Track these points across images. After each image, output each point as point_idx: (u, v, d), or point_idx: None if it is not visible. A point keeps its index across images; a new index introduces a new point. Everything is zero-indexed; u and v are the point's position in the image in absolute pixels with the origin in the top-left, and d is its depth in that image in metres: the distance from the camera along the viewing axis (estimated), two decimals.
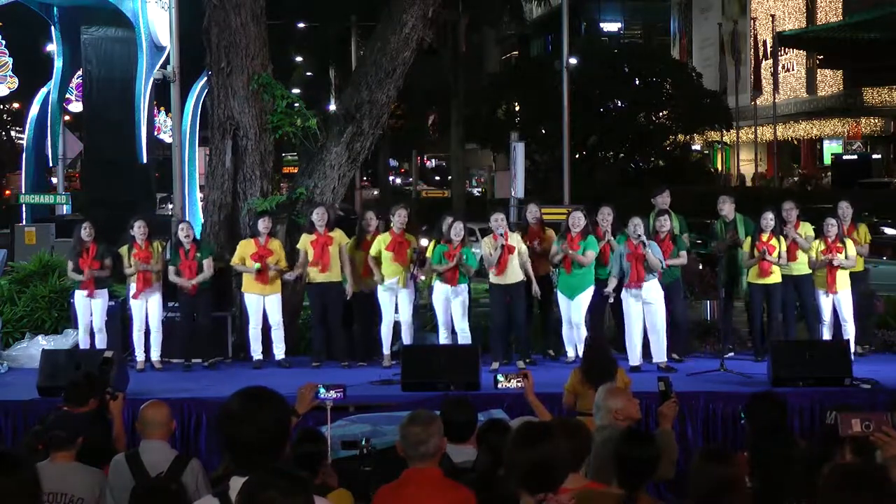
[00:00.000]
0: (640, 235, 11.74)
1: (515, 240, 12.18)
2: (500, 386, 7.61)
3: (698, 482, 4.49)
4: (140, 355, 12.52)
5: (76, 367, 10.32)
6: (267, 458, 3.73)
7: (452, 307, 12.19)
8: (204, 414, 10.16)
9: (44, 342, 12.76)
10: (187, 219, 15.88)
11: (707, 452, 4.71)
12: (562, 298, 12.31)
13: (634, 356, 11.92)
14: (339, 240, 12.51)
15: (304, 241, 12.55)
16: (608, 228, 12.52)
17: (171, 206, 22.06)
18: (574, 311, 12.16)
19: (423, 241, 12.86)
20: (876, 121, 47.71)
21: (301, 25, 44.21)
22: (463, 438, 5.92)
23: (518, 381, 7.45)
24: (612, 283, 12.05)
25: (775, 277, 12.31)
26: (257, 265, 12.35)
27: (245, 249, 12.54)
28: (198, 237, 13.07)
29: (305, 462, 6.17)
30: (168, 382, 11.66)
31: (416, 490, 4.93)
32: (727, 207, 12.99)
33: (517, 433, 4.05)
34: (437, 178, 64.46)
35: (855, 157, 47.00)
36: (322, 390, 7.01)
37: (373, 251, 12.37)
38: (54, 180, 32.12)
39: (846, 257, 12.24)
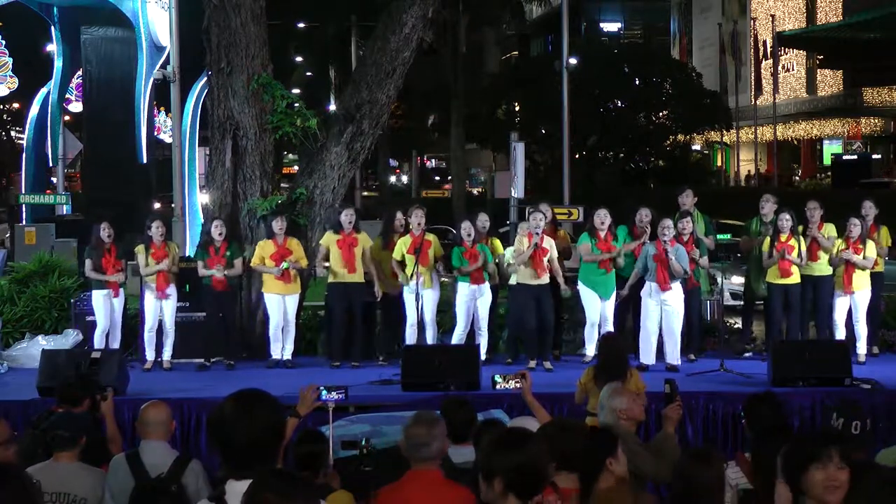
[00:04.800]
0: (666, 241, 11.73)
1: (550, 243, 12.17)
2: (498, 387, 7.60)
3: (677, 481, 4.54)
4: (150, 355, 12.50)
5: (77, 368, 10.31)
6: (260, 460, 3.73)
7: (478, 305, 12.20)
8: (204, 414, 10.14)
9: (44, 342, 12.75)
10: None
11: (689, 453, 4.75)
12: (593, 298, 12.26)
13: (646, 355, 11.92)
14: (363, 242, 12.51)
15: (329, 239, 12.55)
16: (646, 229, 12.50)
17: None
18: (606, 309, 12.20)
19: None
20: (876, 121, 47.73)
21: (301, 25, 44.22)
22: (463, 438, 5.93)
23: (516, 382, 7.44)
24: (634, 278, 12.06)
25: (795, 278, 12.22)
26: (284, 264, 12.33)
27: (264, 250, 12.53)
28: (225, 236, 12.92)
29: (307, 462, 6.17)
30: (168, 382, 11.66)
31: (416, 491, 4.93)
32: (768, 207, 12.79)
33: (497, 439, 4.05)
34: (437, 177, 64.44)
35: (855, 157, 46.98)
36: (324, 392, 7.01)
37: (396, 255, 12.37)
38: (54, 180, 32.12)
39: (864, 257, 12.17)
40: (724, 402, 10.27)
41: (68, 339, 12.84)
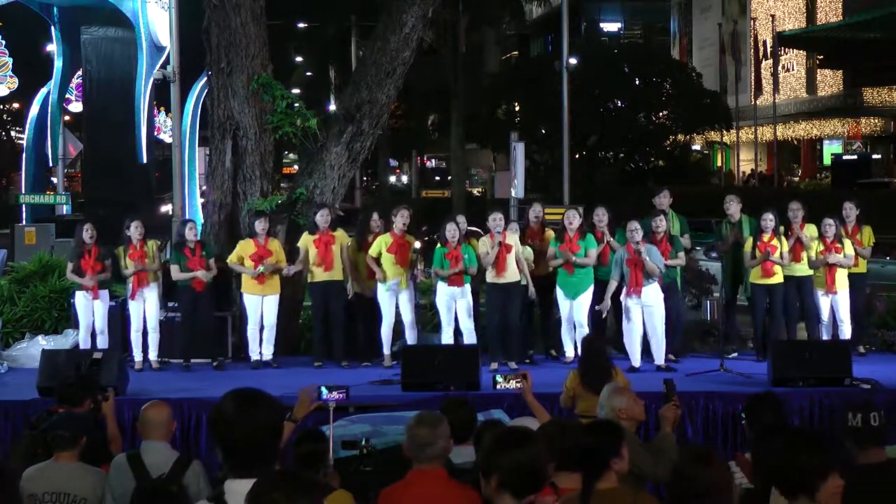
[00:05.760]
0: (637, 242, 11.73)
1: (513, 239, 12.19)
2: (499, 387, 7.61)
3: (678, 482, 4.56)
4: (138, 355, 12.51)
5: (76, 368, 10.31)
6: (260, 459, 3.73)
7: (458, 307, 12.20)
8: (204, 414, 10.15)
9: (44, 342, 12.76)
10: (191, 218, 15.76)
11: (688, 453, 4.75)
12: (562, 298, 12.31)
13: (634, 358, 11.93)
14: (340, 239, 12.52)
15: (306, 240, 12.55)
16: (604, 229, 12.54)
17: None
18: (576, 311, 12.18)
19: (417, 244, 12.86)
20: (876, 121, 47.69)
21: (301, 25, 44.19)
22: (463, 439, 5.91)
23: (517, 382, 7.45)
24: (612, 287, 12.02)
25: (778, 278, 12.29)
26: (261, 268, 12.33)
27: (244, 249, 12.53)
28: (199, 238, 13.01)
29: (307, 462, 6.16)
30: (168, 382, 11.67)
31: (421, 490, 4.92)
32: (734, 207, 12.93)
33: (497, 438, 4.06)
34: (437, 178, 64.40)
35: (855, 157, 46.95)
36: (324, 391, 7.00)
37: (373, 251, 12.36)
38: (54, 180, 32.13)
39: (844, 256, 12.23)
40: (724, 402, 10.27)
41: (68, 339, 12.85)
